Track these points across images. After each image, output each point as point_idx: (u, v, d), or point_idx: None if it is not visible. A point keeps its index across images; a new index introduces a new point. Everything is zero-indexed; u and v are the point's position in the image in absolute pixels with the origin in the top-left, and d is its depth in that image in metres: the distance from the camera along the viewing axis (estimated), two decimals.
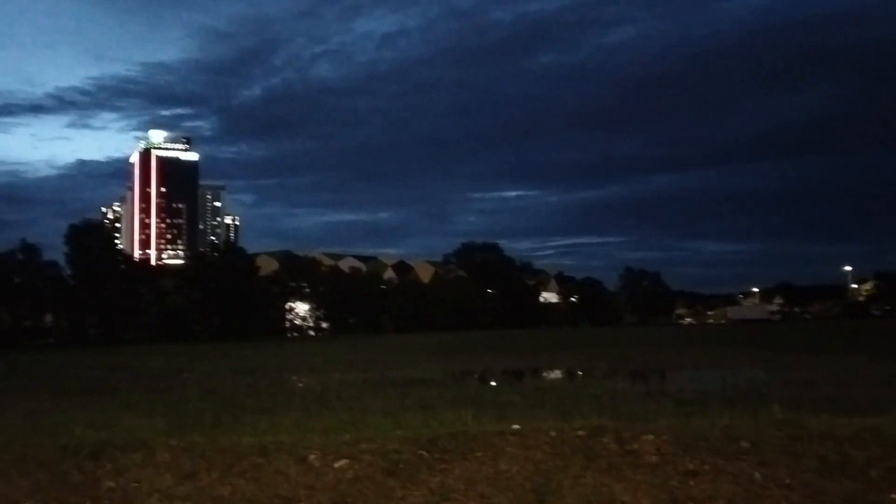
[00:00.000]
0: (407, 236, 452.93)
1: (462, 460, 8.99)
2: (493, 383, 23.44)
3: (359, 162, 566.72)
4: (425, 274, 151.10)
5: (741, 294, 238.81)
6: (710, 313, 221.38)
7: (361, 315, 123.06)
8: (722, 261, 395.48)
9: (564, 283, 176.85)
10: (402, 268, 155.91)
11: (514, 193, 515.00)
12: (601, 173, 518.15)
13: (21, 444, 10.51)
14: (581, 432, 9.55)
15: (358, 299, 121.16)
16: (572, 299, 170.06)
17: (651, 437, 9.33)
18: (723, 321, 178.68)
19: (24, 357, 60.51)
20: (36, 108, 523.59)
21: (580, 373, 27.95)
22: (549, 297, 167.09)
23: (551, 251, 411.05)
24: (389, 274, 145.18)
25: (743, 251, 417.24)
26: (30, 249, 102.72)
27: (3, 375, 34.58)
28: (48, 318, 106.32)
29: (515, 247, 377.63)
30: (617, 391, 17.51)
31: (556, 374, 28.97)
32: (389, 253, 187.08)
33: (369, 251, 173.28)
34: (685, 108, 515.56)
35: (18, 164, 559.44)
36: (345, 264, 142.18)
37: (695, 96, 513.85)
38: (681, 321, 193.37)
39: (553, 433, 9.55)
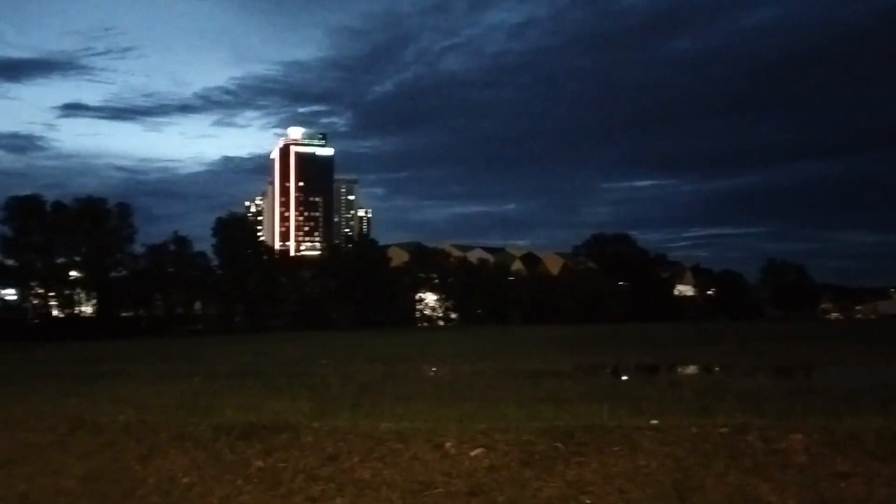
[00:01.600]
0: (535, 228, 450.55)
1: (598, 454, 8.87)
2: (626, 377, 22.76)
3: (488, 154, 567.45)
4: (554, 266, 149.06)
5: (893, 288, 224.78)
6: (858, 308, 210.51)
7: (489, 306, 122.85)
8: (871, 252, 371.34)
9: (701, 276, 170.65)
10: (530, 259, 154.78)
11: (647, 183, 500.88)
12: (739, 161, 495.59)
13: (178, 423, 11.11)
14: (724, 430, 9.22)
15: (486, 290, 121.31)
16: (709, 293, 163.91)
17: (799, 436, 8.90)
18: (872, 316, 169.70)
19: (177, 343, 64.20)
20: (185, 108, 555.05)
21: (718, 368, 26.91)
22: (684, 290, 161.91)
23: (686, 242, 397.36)
24: (517, 266, 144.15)
25: (894, 242, 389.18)
26: (181, 241, 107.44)
27: (160, 359, 36.12)
28: (197, 306, 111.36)
29: (648, 238, 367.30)
30: (760, 388, 16.73)
31: (693, 369, 27.91)
32: (518, 244, 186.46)
33: (497, 243, 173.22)
34: (829, 91, 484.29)
35: (170, 161, 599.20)
36: (473, 256, 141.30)
37: (839, 79, 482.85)
38: (827, 316, 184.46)
39: (694, 430, 9.27)
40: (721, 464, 8.44)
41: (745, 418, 10.01)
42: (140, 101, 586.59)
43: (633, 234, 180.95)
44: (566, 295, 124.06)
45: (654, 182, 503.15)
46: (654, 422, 9.75)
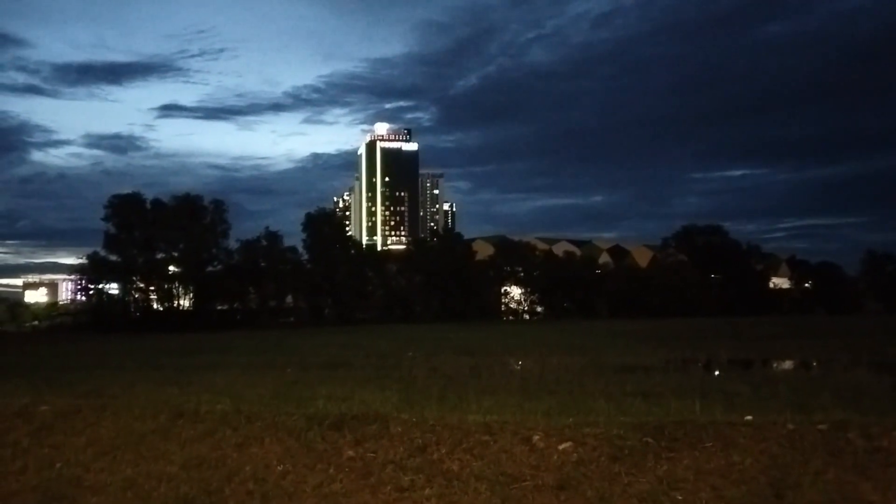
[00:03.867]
0: (623, 220, 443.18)
1: (690, 450, 8.69)
2: (718, 372, 22.21)
3: (573, 145, 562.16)
4: (642, 258, 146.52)
5: None
6: None
7: (576, 299, 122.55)
8: None
9: (797, 268, 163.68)
10: (617, 252, 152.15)
11: (739, 173, 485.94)
12: (836, 149, 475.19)
13: (272, 413, 11.32)
14: (822, 426, 8.90)
15: (572, 284, 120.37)
16: (806, 285, 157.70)
17: None
18: None
19: (270, 334, 65.43)
20: (276, 107, 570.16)
21: (816, 363, 25.93)
22: (779, 282, 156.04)
23: (781, 234, 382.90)
24: (605, 258, 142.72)
25: None
26: (272, 236, 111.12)
27: (254, 351, 37.37)
28: (289, 299, 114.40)
29: (741, 229, 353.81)
30: (861, 384, 16.01)
31: (789, 364, 26.98)
32: (605, 237, 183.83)
33: (584, 236, 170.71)
34: None
35: (261, 158, 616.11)
36: (559, 248, 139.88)
37: None
38: None
39: (790, 426, 8.98)
40: (819, 461, 8.16)
41: (845, 415, 9.64)
42: (233, 101, 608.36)
43: (726, 224, 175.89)
44: (655, 288, 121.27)
45: (746, 171, 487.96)
46: (749, 418, 9.49)
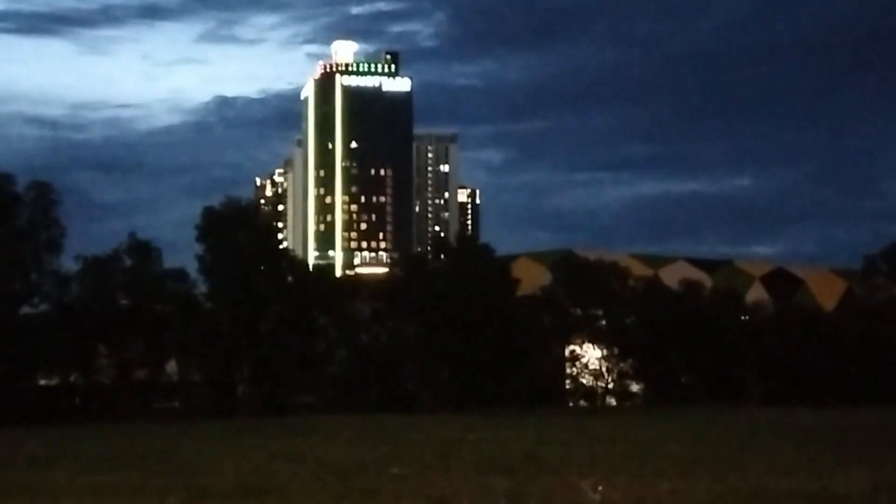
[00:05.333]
0: (790, 222, 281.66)
1: None
2: None
3: (697, 83, 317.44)
4: (827, 291, 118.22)
5: None
6: None
7: (703, 369, 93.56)
8: None
9: None
10: (780, 280, 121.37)
11: None
12: None
13: None
14: None
15: (696, 340, 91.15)
16: None
17: None
18: None
19: (136, 432, 52.85)
20: (149, 10, 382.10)
21: None
22: None
23: None
24: (757, 292, 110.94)
25: None
26: (142, 250, 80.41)
27: (107, 463, 29.50)
28: (171, 367, 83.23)
29: None
30: None
31: None
32: (756, 253, 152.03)
33: (718, 250, 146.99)
34: None
35: (123, 105, 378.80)
36: (672, 274, 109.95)
37: None
38: None
39: None
40: None
41: None
42: (73, 3, 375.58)
43: None
44: (854, 350, 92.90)
45: None
46: None
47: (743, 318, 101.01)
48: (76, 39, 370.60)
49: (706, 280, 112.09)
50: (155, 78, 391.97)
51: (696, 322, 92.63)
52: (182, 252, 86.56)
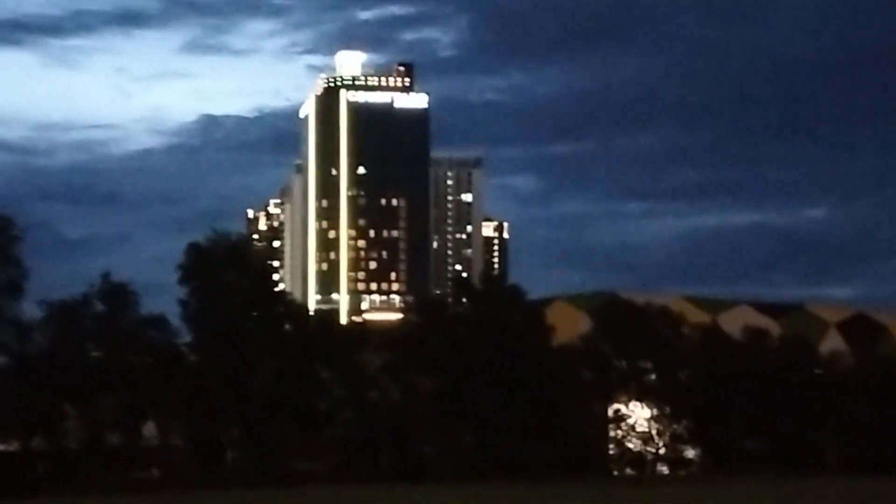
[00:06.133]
0: (873, 258, 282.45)
1: None
2: None
3: (763, 99, 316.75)
4: None
5: None
6: None
7: (773, 432, 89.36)
8: None
9: None
10: (862, 328, 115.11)
11: None
12: None
13: None
14: None
15: (763, 398, 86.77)
16: None
17: None
18: None
19: None
20: (125, 18, 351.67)
21: None
22: None
23: None
24: (834, 341, 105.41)
25: None
26: (116, 294, 75.56)
27: None
28: (150, 430, 79.39)
29: None
30: None
31: None
32: (833, 296, 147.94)
33: (787, 292, 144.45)
34: None
35: (94, 126, 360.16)
36: (733, 320, 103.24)
37: None
38: None
39: None
40: None
41: None
42: (36, 8, 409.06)
43: None
44: None
45: None
46: None
47: (817, 371, 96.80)
48: (41, 50, 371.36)
49: (773, 327, 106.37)
50: (131, 94, 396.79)
51: (762, 377, 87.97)
52: (162, 296, 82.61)
